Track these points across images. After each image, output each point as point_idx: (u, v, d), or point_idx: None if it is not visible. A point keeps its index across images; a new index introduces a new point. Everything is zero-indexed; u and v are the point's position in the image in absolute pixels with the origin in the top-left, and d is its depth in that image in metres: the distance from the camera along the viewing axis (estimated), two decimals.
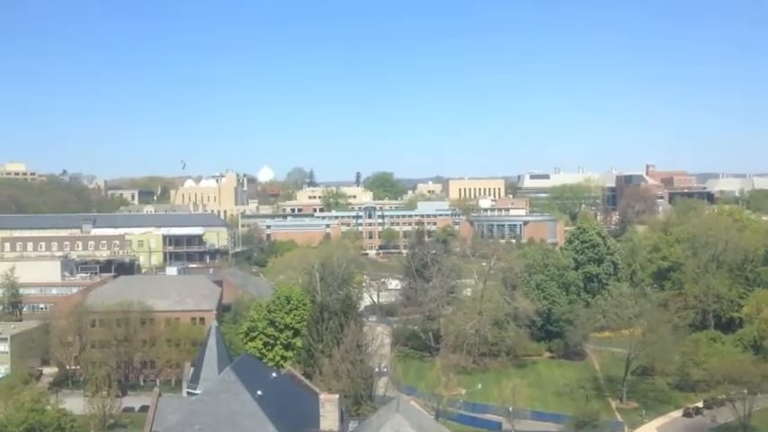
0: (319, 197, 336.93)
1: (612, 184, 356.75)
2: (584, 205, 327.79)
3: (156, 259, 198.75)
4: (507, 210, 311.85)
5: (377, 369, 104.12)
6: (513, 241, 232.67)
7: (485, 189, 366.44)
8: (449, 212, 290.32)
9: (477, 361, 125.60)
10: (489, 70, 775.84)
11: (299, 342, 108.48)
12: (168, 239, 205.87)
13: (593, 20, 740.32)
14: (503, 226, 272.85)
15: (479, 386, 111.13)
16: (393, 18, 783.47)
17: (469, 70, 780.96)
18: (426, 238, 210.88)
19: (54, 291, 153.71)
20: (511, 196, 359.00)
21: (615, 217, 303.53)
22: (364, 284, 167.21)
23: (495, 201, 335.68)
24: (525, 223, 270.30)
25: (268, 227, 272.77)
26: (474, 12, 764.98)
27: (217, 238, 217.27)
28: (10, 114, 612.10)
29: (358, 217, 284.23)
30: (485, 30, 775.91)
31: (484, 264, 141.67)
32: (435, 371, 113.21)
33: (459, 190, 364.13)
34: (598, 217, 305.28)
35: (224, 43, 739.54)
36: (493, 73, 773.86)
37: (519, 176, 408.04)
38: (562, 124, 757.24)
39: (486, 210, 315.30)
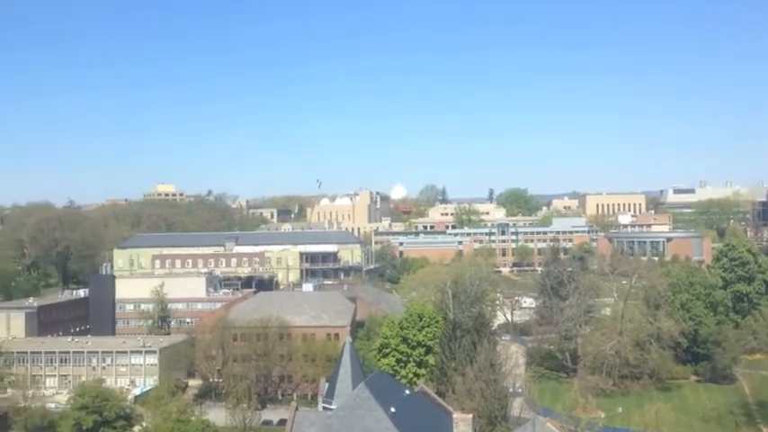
0: (452, 214, 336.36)
1: (763, 198, 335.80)
2: (732, 221, 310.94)
3: (294, 276, 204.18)
4: (649, 226, 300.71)
5: (511, 389, 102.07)
6: (656, 259, 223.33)
7: (624, 204, 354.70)
8: (586, 229, 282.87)
9: (617, 383, 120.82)
10: (629, 81, 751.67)
11: (431, 359, 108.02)
12: (305, 256, 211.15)
13: (741, 23, 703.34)
14: (644, 243, 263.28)
15: (620, 409, 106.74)
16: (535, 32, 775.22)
17: (609, 82, 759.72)
18: (562, 256, 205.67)
19: (199, 306, 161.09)
20: (652, 212, 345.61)
21: (767, 233, 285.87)
22: (497, 302, 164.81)
23: (635, 216, 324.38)
24: (669, 240, 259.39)
25: (401, 244, 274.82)
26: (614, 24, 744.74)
27: (351, 255, 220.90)
28: (162, 140, 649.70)
29: (491, 234, 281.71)
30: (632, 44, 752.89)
31: (624, 282, 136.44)
32: (573, 392, 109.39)
33: (597, 206, 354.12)
34: (748, 233, 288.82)
35: (359, 67, 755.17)
36: (633, 83, 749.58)
37: (661, 191, 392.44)
38: (707, 136, 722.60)
39: (625, 226, 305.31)
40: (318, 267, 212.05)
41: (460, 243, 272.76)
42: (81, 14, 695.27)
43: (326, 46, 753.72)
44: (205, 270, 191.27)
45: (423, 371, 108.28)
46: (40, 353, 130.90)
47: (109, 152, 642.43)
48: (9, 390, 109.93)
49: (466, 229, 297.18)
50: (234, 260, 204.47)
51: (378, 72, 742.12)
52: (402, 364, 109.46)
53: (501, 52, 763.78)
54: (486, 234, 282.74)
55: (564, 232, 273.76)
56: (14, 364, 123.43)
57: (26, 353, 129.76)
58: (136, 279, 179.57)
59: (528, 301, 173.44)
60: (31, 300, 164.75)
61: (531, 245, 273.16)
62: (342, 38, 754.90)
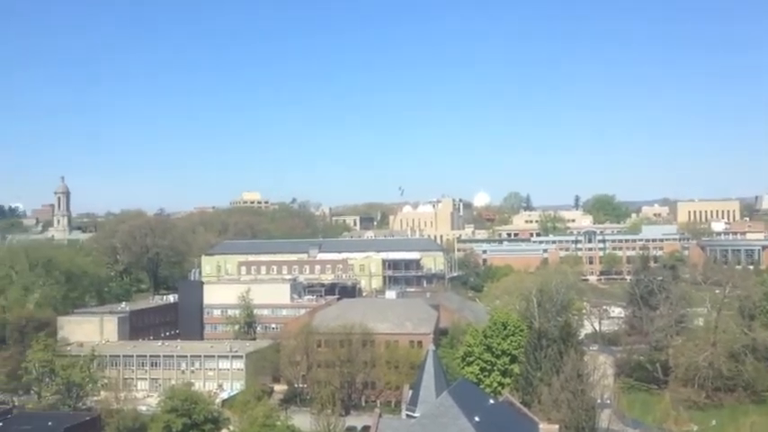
0: (536, 221, 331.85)
1: None
2: None
3: (377, 283, 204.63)
4: (743, 233, 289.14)
5: (599, 400, 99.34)
6: (751, 267, 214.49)
7: (717, 211, 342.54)
8: (677, 236, 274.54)
9: (710, 396, 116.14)
10: (721, 83, 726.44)
11: (516, 369, 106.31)
12: (387, 263, 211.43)
13: None
14: (738, 251, 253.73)
15: (713, 422, 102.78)
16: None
17: (700, 83, 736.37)
18: (652, 264, 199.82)
19: (284, 312, 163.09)
20: (747, 219, 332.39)
21: None
22: (584, 311, 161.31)
23: (729, 224, 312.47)
24: (764, 248, 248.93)
25: (484, 251, 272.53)
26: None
27: (434, 262, 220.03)
28: (248, 148, 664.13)
29: (577, 241, 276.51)
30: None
31: (717, 291, 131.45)
32: (664, 405, 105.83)
33: (689, 213, 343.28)
34: None
35: (440, 76, 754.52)
36: (726, 86, 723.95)
37: (756, 197, 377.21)
38: None
39: (719, 233, 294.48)
40: (401, 275, 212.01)
41: (545, 251, 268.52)
42: (171, 19, 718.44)
43: (413, 54, 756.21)
44: (289, 276, 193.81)
45: (507, 380, 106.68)
46: (132, 356, 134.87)
47: (197, 161, 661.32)
48: (102, 392, 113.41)
49: (551, 237, 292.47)
50: (317, 267, 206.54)
51: (460, 81, 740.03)
52: (486, 373, 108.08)
53: (585, 54, 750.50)
54: (573, 242, 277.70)
55: (654, 240, 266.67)
56: (107, 367, 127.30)
57: (119, 356, 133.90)
58: (223, 285, 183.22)
59: (616, 311, 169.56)
60: (123, 305, 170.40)
61: (619, 253, 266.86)
62: (427, 47, 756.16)
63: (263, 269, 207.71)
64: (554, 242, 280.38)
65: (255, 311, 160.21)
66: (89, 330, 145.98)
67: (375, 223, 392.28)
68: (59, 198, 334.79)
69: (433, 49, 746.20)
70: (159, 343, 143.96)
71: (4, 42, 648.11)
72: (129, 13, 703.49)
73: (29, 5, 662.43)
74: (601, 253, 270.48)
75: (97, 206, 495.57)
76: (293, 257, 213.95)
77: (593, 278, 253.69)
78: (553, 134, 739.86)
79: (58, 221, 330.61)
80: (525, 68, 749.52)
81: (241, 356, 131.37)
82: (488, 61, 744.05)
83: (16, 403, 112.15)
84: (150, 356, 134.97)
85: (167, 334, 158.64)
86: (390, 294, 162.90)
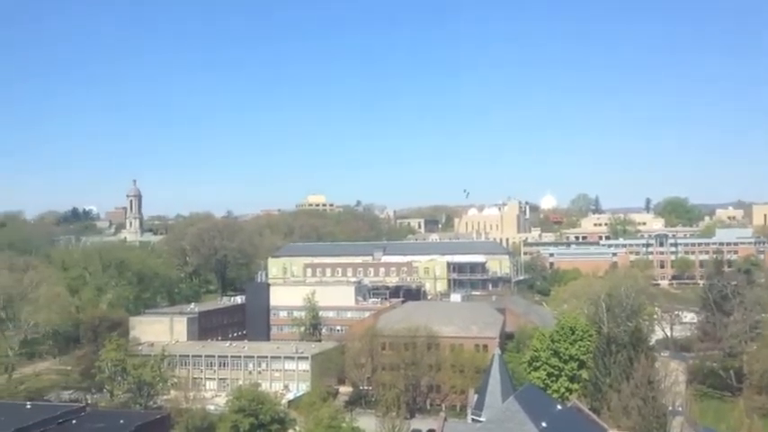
0: (605, 224, 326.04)
1: None
2: None
3: (441, 286, 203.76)
4: None
5: (670, 407, 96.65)
6: None
7: None
8: (752, 240, 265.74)
9: None
10: None
11: (584, 374, 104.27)
12: (452, 266, 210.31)
13: None
14: None
15: None
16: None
17: None
18: (726, 268, 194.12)
19: (349, 314, 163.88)
20: None
21: None
22: (655, 317, 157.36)
23: None
24: None
25: (551, 255, 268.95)
26: None
27: (499, 265, 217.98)
28: (313, 152, 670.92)
29: (648, 245, 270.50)
30: None
31: None
32: (737, 412, 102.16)
33: (765, 215, 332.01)
34: None
35: (506, 77, 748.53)
36: None
37: None
38: None
39: None
40: (466, 278, 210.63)
41: (615, 254, 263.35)
42: (240, 19, 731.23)
43: (476, 53, 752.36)
44: (354, 279, 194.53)
45: (575, 386, 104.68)
46: (201, 356, 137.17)
47: (264, 164, 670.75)
48: (172, 391, 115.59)
49: (621, 240, 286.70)
50: (382, 269, 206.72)
51: (526, 82, 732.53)
52: (553, 378, 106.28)
53: (660, 53, 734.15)
54: (643, 245, 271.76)
55: (728, 243, 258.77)
56: (177, 367, 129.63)
57: (188, 356, 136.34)
58: (289, 287, 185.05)
59: (689, 316, 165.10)
60: (192, 305, 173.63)
61: (691, 257, 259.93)
62: (490, 47, 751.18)
63: (328, 271, 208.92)
64: (624, 246, 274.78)
65: (321, 313, 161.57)
66: (159, 330, 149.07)
67: (440, 226, 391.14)
68: (131, 201, 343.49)
69: (498, 49, 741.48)
70: (227, 343, 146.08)
71: (76, 46, 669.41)
72: (199, 14, 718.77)
73: (101, 7, 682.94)
74: (673, 257, 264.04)
75: (168, 209, 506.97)
76: (358, 260, 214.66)
77: (664, 283, 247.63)
78: (623, 135, 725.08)
79: (131, 224, 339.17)
80: (595, 68, 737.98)
81: (307, 358, 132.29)
82: (557, 61, 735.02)
83: (89, 401, 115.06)
84: (218, 357, 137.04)
85: (235, 335, 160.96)
86: (455, 297, 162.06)
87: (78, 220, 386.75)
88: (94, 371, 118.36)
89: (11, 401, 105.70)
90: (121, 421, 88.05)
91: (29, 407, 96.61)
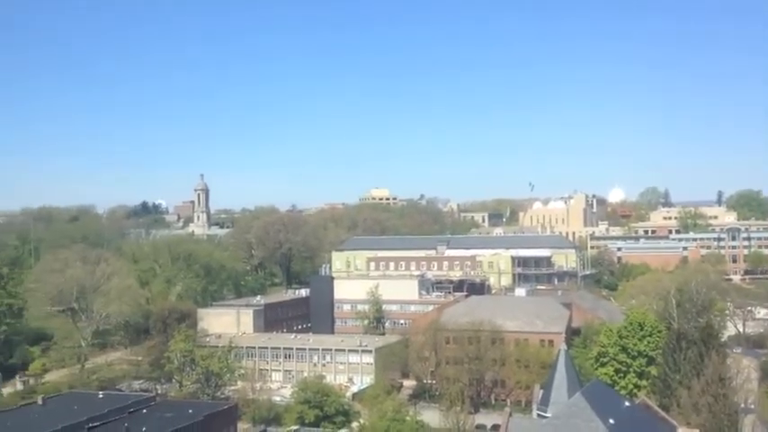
0: (675, 218, 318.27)
1: None
2: None
3: (506, 280, 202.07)
4: None
5: (742, 405, 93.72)
6: None
7: None
8: None
9: None
10: None
11: (653, 371, 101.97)
12: (517, 261, 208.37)
13: None
14: None
15: None
16: None
17: None
18: None
19: (412, 308, 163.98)
20: None
21: None
22: (727, 312, 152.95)
23: None
24: None
25: (619, 249, 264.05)
26: None
27: (565, 260, 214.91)
28: (377, 146, 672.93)
29: (720, 239, 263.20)
30: None
31: None
32: None
33: None
34: None
35: (575, 69, 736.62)
36: None
37: None
38: None
39: None
40: (531, 272, 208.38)
41: (685, 249, 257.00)
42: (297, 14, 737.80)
43: (537, 48, 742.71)
44: (417, 273, 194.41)
45: (644, 382, 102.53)
46: (267, 348, 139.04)
47: (328, 158, 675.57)
48: (239, 382, 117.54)
49: (691, 234, 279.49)
50: (445, 263, 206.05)
51: (593, 72, 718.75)
52: (621, 375, 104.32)
53: (732, 44, 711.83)
54: (715, 239, 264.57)
55: None
56: (244, 358, 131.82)
57: (254, 348, 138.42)
58: (352, 280, 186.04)
59: (762, 312, 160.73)
60: (258, 298, 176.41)
61: (765, 251, 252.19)
62: (556, 40, 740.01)
63: (392, 265, 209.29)
64: (694, 240, 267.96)
65: (384, 307, 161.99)
66: (226, 322, 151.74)
67: (504, 220, 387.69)
68: (199, 195, 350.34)
69: (564, 40, 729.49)
70: (292, 336, 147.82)
71: (145, 44, 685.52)
72: (264, 14, 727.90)
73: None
74: (746, 251, 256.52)
75: (233, 202, 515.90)
76: (421, 254, 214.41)
77: (736, 278, 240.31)
78: (694, 126, 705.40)
79: (198, 217, 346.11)
80: (664, 58, 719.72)
81: (370, 351, 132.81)
82: (626, 51, 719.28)
83: (159, 391, 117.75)
84: (284, 349, 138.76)
85: (299, 327, 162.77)
86: (520, 292, 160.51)
87: (148, 213, 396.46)
88: (164, 361, 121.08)
89: (84, 391, 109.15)
90: (190, 411, 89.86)
91: (101, 396, 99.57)
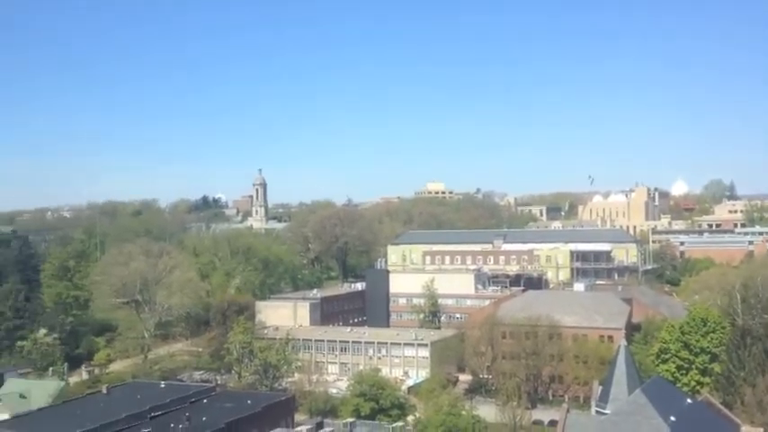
0: (741, 211, 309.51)
1: None
2: None
3: (564, 275, 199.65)
4: None
5: None
6: None
7: None
8: None
9: None
10: None
11: (716, 368, 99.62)
12: (576, 255, 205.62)
13: None
14: None
15: None
16: None
17: None
18: None
19: (468, 302, 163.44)
20: None
21: None
22: None
23: None
24: None
25: (682, 243, 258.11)
26: None
27: (626, 254, 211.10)
28: (432, 139, 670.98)
29: None
30: None
31: None
32: None
33: None
34: None
35: (629, 55, 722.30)
36: None
37: None
38: None
39: None
40: (590, 267, 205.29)
41: (751, 243, 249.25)
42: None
43: (599, 42, 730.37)
44: (473, 267, 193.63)
45: (707, 379, 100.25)
46: (323, 341, 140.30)
47: (383, 152, 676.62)
48: (296, 374, 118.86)
49: (758, 228, 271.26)
50: (502, 258, 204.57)
51: (652, 63, 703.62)
52: (683, 372, 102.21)
53: None
54: None
55: None
56: (300, 351, 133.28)
57: (311, 340, 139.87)
58: (408, 274, 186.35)
59: None
60: (314, 291, 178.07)
61: None
62: (615, 34, 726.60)
63: (447, 259, 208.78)
64: (761, 234, 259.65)
65: (440, 301, 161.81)
66: (284, 315, 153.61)
67: (563, 213, 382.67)
68: (257, 189, 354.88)
69: (623, 37, 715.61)
70: (348, 329, 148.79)
71: (204, 36, 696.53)
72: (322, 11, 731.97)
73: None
74: None
75: (291, 197, 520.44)
76: (477, 248, 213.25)
77: None
78: (761, 117, 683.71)
79: (256, 212, 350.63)
80: (726, 45, 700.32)
81: (426, 345, 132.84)
82: (686, 37, 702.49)
83: (219, 382, 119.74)
84: (340, 342, 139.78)
85: (355, 320, 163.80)
86: (579, 287, 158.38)
87: (208, 208, 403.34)
88: (223, 353, 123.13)
89: (147, 380, 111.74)
90: (249, 402, 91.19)
91: (163, 386, 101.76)
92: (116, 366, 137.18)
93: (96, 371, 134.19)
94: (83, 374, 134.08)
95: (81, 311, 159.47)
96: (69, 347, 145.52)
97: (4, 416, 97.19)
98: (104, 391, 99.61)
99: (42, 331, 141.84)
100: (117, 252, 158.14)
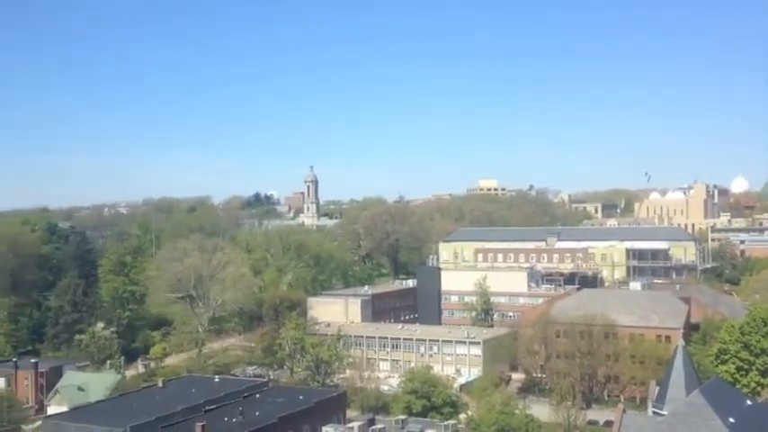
0: None
1: None
2: None
3: (620, 273, 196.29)
4: None
5: None
6: None
7: None
8: None
9: None
10: None
11: None
12: (632, 253, 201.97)
13: None
14: None
15: None
16: None
17: None
18: None
19: (521, 300, 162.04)
20: None
21: None
22: None
23: None
24: None
25: (742, 242, 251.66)
26: None
27: (684, 252, 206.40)
28: (485, 135, 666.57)
29: None
30: None
31: None
32: None
33: None
34: None
35: (691, 47, 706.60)
36: None
37: None
38: None
39: None
40: (647, 265, 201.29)
41: None
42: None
43: (654, 39, 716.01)
44: (527, 265, 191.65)
45: (767, 380, 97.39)
46: (374, 338, 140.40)
47: (435, 148, 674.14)
48: (348, 370, 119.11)
49: None
50: (556, 256, 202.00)
51: (713, 58, 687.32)
52: (743, 373, 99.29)
53: None
54: None
55: None
56: (352, 347, 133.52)
57: (362, 337, 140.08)
58: (460, 272, 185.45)
59: None
60: (365, 288, 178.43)
61: None
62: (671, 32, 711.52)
63: (500, 257, 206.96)
64: None
65: (492, 299, 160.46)
66: (335, 311, 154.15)
67: (618, 211, 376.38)
68: (309, 186, 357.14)
69: (679, 32, 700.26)
70: (399, 326, 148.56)
71: (256, 39, 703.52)
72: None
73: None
74: None
75: (342, 194, 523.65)
76: (530, 245, 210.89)
77: None
78: None
79: (308, 208, 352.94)
80: None
81: (478, 343, 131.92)
82: (737, 34, 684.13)
83: (271, 377, 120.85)
84: (391, 339, 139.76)
85: (406, 318, 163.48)
86: (635, 285, 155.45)
87: (260, 204, 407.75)
88: (276, 348, 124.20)
89: (201, 375, 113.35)
90: (301, 397, 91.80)
91: (217, 380, 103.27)
92: (171, 360, 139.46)
93: (152, 364, 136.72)
94: (139, 368, 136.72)
95: (137, 306, 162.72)
96: (126, 341, 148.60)
97: (63, 408, 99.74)
98: (160, 384, 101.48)
99: (100, 325, 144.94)
100: (172, 248, 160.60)
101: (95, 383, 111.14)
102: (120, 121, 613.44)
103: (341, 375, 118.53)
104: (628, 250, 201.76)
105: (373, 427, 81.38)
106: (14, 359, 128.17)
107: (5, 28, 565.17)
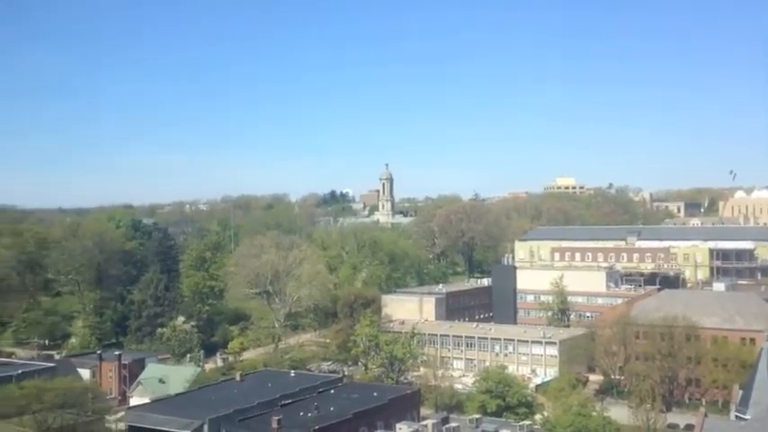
0: None
1: None
2: None
3: (702, 274, 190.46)
4: None
5: None
6: None
7: None
8: None
9: None
10: None
11: None
12: (715, 253, 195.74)
13: None
14: None
15: None
16: None
17: None
18: None
19: (599, 300, 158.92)
20: None
21: None
22: None
23: None
24: None
25: None
26: None
27: None
28: (563, 133, 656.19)
29: None
30: None
31: None
32: None
33: None
34: None
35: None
36: None
37: None
38: None
39: None
40: (731, 266, 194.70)
41: None
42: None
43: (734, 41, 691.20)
44: (605, 264, 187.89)
45: None
46: (448, 336, 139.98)
47: (511, 147, 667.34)
48: (422, 368, 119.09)
49: None
50: (636, 255, 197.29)
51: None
52: None
53: None
54: None
55: None
56: (426, 345, 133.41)
57: (436, 335, 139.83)
58: (536, 271, 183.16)
59: None
60: (440, 286, 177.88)
61: None
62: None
63: (578, 256, 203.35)
64: None
65: (569, 298, 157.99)
66: (409, 309, 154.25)
67: (702, 210, 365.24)
68: (384, 184, 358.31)
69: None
70: (474, 325, 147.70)
71: (333, 34, 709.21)
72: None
73: None
74: None
75: (417, 191, 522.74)
76: (609, 245, 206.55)
77: None
78: None
79: (383, 206, 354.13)
80: None
81: (554, 343, 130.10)
82: None
83: (346, 373, 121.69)
84: (465, 337, 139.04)
85: (481, 316, 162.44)
86: (719, 286, 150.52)
87: (336, 202, 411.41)
88: (350, 345, 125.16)
89: (277, 369, 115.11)
90: (375, 394, 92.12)
91: (293, 375, 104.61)
92: (248, 354, 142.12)
93: (230, 358, 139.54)
94: (218, 361, 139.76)
95: (216, 301, 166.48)
96: (205, 335, 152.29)
97: (145, 399, 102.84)
98: (238, 378, 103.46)
99: (181, 319, 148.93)
100: (250, 244, 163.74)
101: (175, 376, 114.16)
102: (200, 121, 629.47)
103: (415, 373, 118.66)
104: (711, 250, 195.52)
105: (447, 426, 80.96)
106: (99, 351, 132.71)
107: (106, 36, 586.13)
